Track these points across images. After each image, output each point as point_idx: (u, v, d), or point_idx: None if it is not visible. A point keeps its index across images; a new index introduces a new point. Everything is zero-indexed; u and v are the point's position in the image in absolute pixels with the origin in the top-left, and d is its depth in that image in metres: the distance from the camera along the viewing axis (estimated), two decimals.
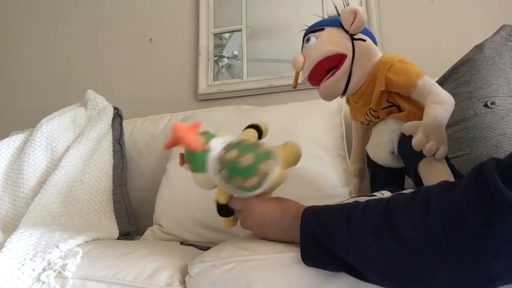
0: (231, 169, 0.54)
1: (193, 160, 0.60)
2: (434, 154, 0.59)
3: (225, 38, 1.66)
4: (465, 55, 0.82)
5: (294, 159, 0.67)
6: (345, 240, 0.48)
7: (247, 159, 0.53)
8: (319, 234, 0.51)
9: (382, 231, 0.44)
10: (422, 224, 0.41)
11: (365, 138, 0.88)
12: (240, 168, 0.53)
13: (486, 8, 1.34)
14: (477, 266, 0.38)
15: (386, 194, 0.65)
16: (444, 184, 0.42)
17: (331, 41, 0.71)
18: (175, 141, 0.58)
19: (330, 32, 0.72)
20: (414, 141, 0.59)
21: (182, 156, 0.62)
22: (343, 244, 0.48)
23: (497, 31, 0.81)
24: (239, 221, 0.67)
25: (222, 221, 0.68)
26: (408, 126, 0.62)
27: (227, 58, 1.64)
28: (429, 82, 0.66)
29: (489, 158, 0.38)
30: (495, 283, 0.38)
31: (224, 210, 0.66)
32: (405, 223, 0.43)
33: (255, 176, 0.54)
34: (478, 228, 0.36)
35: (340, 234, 0.49)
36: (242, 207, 0.63)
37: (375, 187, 0.83)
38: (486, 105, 0.73)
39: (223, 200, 0.64)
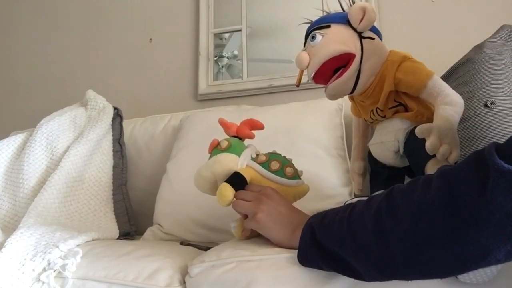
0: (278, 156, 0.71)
1: (237, 143, 0.72)
2: (446, 158, 0.58)
3: (225, 38, 1.66)
4: (465, 55, 0.82)
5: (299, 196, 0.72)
6: (343, 232, 0.48)
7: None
8: (319, 233, 0.52)
9: (382, 213, 0.45)
10: (421, 200, 0.42)
11: (366, 134, 0.88)
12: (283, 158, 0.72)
13: (486, 8, 1.34)
14: (470, 237, 0.38)
15: None
16: (446, 166, 0.43)
17: (339, 40, 0.68)
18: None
19: (337, 30, 0.69)
20: (427, 145, 0.58)
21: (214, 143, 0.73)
22: (341, 236, 0.48)
23: (497, 31, 0.81)
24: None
25: (236, 229, 0.68)
26: (421, 130, 0.60)
27: (227, 58, 1.64)
28: (438, 82, 0.65)
29: (490, 142, 0.39)
30: (488, 258, 0.38)
31: (236, 179, 0.65)
32: (404, 201, 0.43)
33: (291, 168, 0.70)
34: (472, 196, 0.37)
35: (339, 227, 0.49)
36: (259, 189, 0.63)
37: (375, 185, 0.83)
38: (486, 105, 0.73)
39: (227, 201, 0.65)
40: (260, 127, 0.75)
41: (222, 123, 0.75)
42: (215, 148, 0.71)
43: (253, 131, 0.75)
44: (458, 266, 0.41)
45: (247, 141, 0.75)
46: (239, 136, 0.74)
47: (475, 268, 0.42)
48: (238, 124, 0.75)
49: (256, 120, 0.75)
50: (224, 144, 0.70)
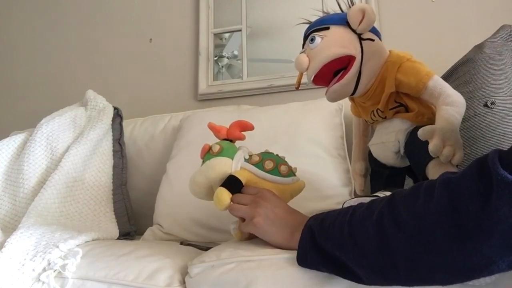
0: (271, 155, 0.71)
1: (229, 146, 0.71)
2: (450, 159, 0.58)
3: (225, 38, 1.66)
4: (465, 55, 0.82)
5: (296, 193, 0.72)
6: (344, 236, 0.48)
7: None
8: (319, 237, 0.51)
9: (384, 219, 0.44)
10: (424, 209, 0.41)
11: (366, 134, 0.88)
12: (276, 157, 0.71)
13: (486, 8, 1.34)
14: (473, 248, 0.38)
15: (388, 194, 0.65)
16: (449, 174, 0.43)
17: (338, 42, 0.67)
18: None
19: (337, 32, 0.68)
20: (430, 147, 0.58)
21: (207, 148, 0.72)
22: (342, 241, 0.48)
23: (497, 31, 0.80)
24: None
25: (235, 230, 0.68)
26: (424, 132, 0.60)
27: (227, 58, 1.64)
28: (439, 82, 0.65)
29: (493, 149, 0.39)
30: (491, 268, 0.38)
31: (232, 182, 0.65)
32: (407, 209, 0.43)
33: (286, 165, 0.69)
34: (475, 207, 0.37)
35: (340, 231, 0.49)
36: (255, 192, 0.63)
37: (375, 185, 0.83)
38: (486, 105, 0.73)
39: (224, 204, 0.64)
40: (250, 128, 0.74)
41: (212, 127, 0.75)
42: (207, 153, 0.71)
43: (244, 132, 0.74)
44: (461, 275, 0.41)
45: (238, 143, 0.75)
46: (230, 138, 0.73)
47: (477, 278, 0.42)
48: (228, 127, 0.74)
49: (245, 121, 0.74)
50: (216, 148, 0.69)
